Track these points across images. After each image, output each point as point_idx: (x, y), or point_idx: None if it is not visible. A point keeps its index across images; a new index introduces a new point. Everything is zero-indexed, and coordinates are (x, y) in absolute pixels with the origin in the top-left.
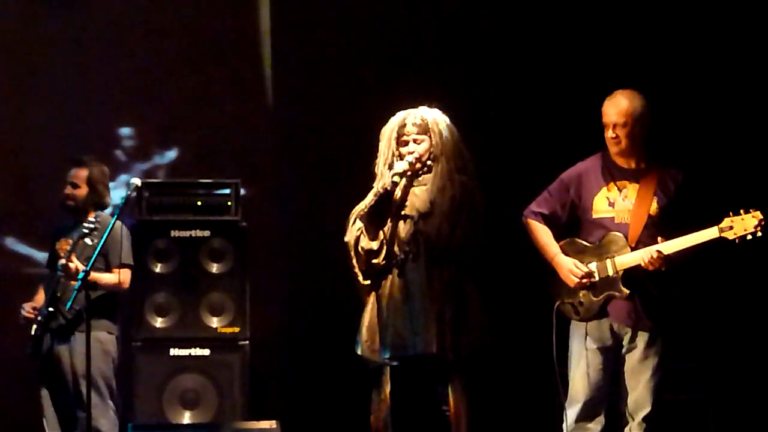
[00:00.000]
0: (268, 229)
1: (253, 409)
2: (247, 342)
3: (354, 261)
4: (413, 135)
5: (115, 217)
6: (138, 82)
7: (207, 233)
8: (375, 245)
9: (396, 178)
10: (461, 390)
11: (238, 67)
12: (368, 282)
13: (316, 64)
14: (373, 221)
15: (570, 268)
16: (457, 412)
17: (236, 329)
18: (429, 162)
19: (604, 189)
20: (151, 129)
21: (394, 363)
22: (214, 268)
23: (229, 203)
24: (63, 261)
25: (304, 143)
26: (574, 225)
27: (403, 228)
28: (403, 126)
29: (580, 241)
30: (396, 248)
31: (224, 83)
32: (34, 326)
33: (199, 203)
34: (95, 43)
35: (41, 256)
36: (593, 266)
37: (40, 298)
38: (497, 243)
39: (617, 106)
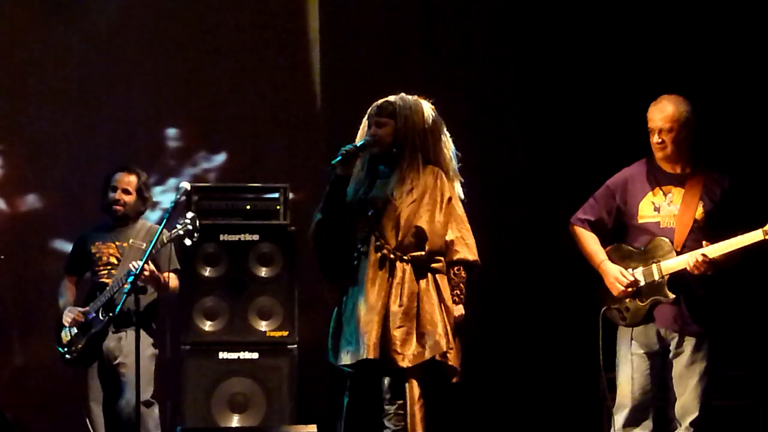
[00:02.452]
0: None
1: (301, 414)
2: (296, 346)
3: (319, 260)
4: (376, 118)
5: (165, 221)
6: (187, 86)
7: (256, 237)
8: (334, 240)
9: (336, 161)
10: (415, 400)
11: (287, 72)
12: (333, 282)
13: (364, 69)
14: (332, 213)
15: (615, 275)
16: (412, 424)
17: (285, 333)
18: (394, 149)
19: (650, 194)
20: (200, 133)
21: (347, 369)
22: (263, 272)
23: (278, 207)
24: (134, 264)
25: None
26: (621, 230)
27: (360, 222)
28: (373, 109)
29: (626, 246)
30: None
31: (273, 88)
32: (73, 331)
33: (248, 207)
34: (141, 47)
35: None
36: (639, 272)
37: (72, 299)
38: (545, 250)
39: (663, 112)
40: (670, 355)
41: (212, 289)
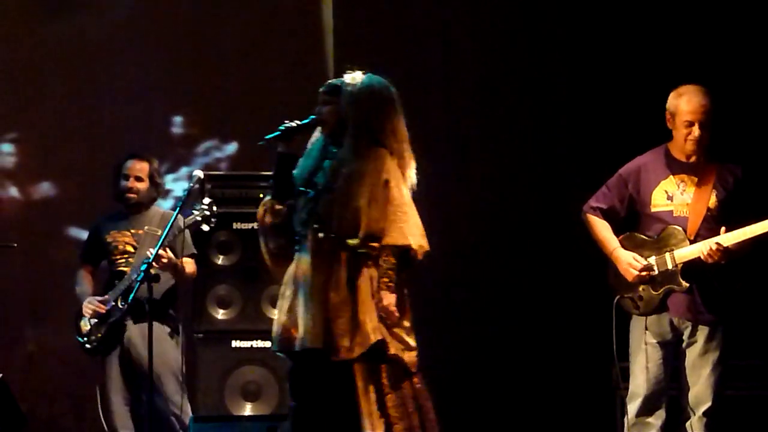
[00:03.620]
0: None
1: None
2: None
3: (261, 243)
4: (322, 96)
5: (178, 208)
6: (199, 74)
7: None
8: (278, 219)
9: (266, 139)
10: (362, 392)
11: (300, 60)
12: (278, 267)
13: (378, 58)
14: (279, 193)
15: (629, 261)
16: (366, 415)
17: None
18: (339, 129)
19: (663, 183)
20: (213, 122)
21: (282, 356)
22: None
23: None
24: (151, 252)
25: None
26: (633, 219)
27: (302, 206)
28: (321, 87)
29: (639, 235)
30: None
31: (286, 77)
32: (92, 320)
33: (261, 195)
34: (154, 35)
35: None
36: (652, 260)
37: (90, 288)
38: (558, 239)
39: (699, 104)
40: (684, 344)
41: (225, 278)
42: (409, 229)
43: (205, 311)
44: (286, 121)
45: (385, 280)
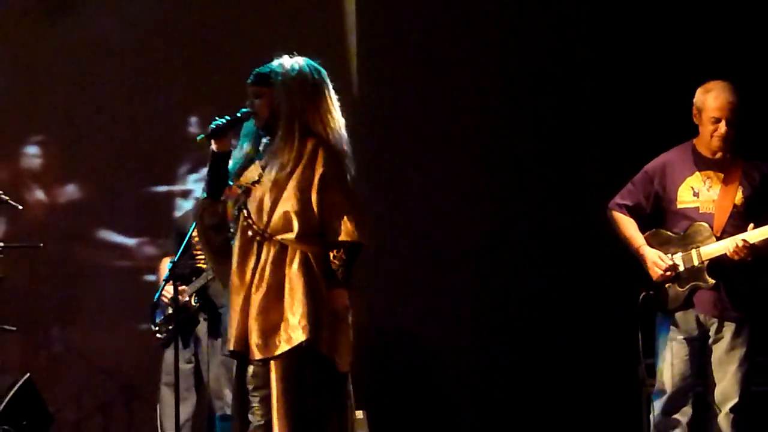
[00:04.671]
0: None
1: None
2: None
3: (203, 243)
4: (252, 87)
5: None
6: (220, 74)
7: None
8: (216, 219)
9: (200, 138)
10: (280, 393)
11: (324, 59)
12: (222, 265)
13: (401, 55)
14: (214, 192)
15: (654, 260)
16: (278, 418)
17: None
18: (272, 120)
19: (689, 179)
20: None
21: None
22: None
23: None
24: None
25: (390, 134)
26: (659, 216)
27: (235, 201)
28: (250, 78)
29: (665, 231)
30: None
31: None
32: (168, 311)
33: None
34: (179, 38)
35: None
36: (678, 257)
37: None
38: (584, 236)
39: (728, 100)
40: (710, 340)
41: None
42: (358, 224)
43: None
44: (216, 118)
45: (338, 275)
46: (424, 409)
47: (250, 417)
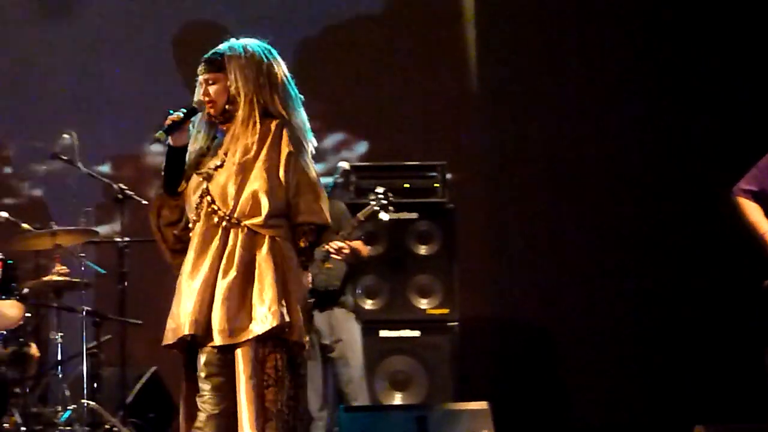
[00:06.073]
0: (474, 212)
1: (462, 391)
2: (457, 323)
3: (159, 241)
4: (204, 75)
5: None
6: (352, 68)
7: (415, 215)
8: (176, 215)
9: (158, 134)
10: (246, 378)
11: (442, 50)
12: (179, 261)
13: (520, 46)
14: (172, 187)
15: None
16: (247, 403)
17: (445, 311)
18: (228, 106)
19: None
20: (355, 114)
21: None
22: (422, 250)
23: (436, 185)
24: (334, 245)
25: (509, 126)
26: None
27: (195, 189)
28: (201, 66)
29: None
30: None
31: (428, 67)
32: None
33: (406, 186)
34: (283, 32)
35: None
36: None
37: None
38: (707, 223)
39: None
40: None
41: (372, 268)
42: (323, 205)
43: (354, 302)
44: (170, 111)
45: (303, 259)
46: (548, 402)
47: (200, 406)
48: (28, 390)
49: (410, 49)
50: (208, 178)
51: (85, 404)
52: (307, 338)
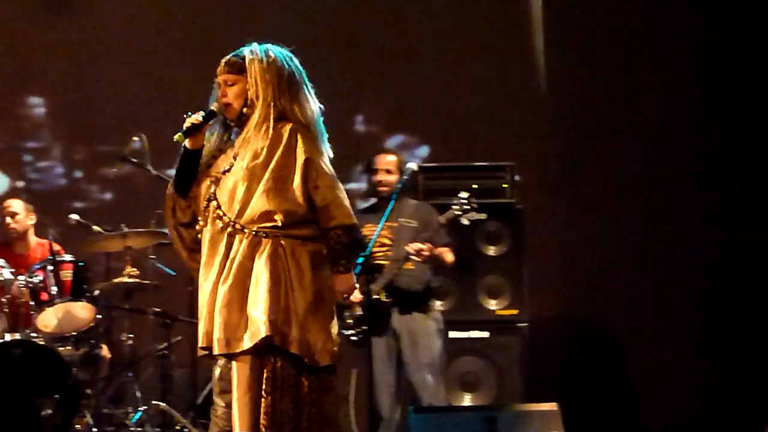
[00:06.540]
0: (542, 213)
1: (532, 392)
2: (526, 324)
3: (176, 240)
4: (224, 76)
5: (392, 201)
6: (424, 68)
7: (483, 216)
8: (188, 216)
9: (177, 136)
10: (242, 392)
11: (511, 51)
12: (196, 262)
13: (589, 50)
14: (184, 189)
15: None
16: (239, 419)
17: (514, 312)
18: (246, 110)
19: None
20: (423, 115)
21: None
22: (491, 250)
23: (505, 186)
24: (414, 247)
25: (577, 128)
26: None
27: (204, 193)
28: (220, 67)
29: None
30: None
31: (497, 68)
32: (357, 312)
33: (474, 186)
34: (342, 33)
35: None
36: None
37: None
38: None
39: None
40: None
41: (441, 269)
42: (347, 206)
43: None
44: (189, 113)
45: (343, 261)
46: (618, 402)
47: (213, 419)
48: (99, 391)
49: (478, 52)
50: (216, 182)
51: (156, 405)
52: (326, 350)
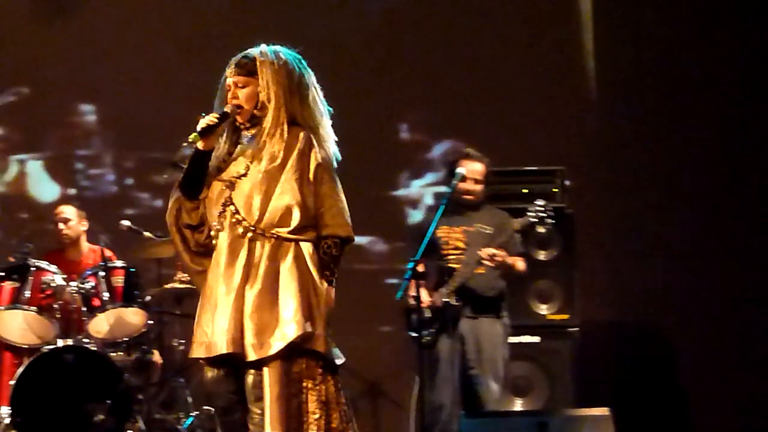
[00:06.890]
0: (592, 217)
1: (583, 397)
2: (577, 329)
3: (178, 242)
4: (234, 78)
5: (442, 206)
6: (454, 72)
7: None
8: (194, 219)
9: (192, 137)
10: (274, 397)
11: (560, 55)
12: (200, 267)
13: (639, 54)
14: (193, 191)
15: None
16: (271, 423)
17: (565, 316)
18: (256, 112)
19: None
20: (468, 119)
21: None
22: (542, 255)
23: (555, 190)
24: (486, 252)
25: (626, 132)
26: None
27: (217, 197)
28: (231, 68)
29: None
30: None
31: (546, 72)
32: (426, 314)
33: (525, 191)
34: (394, 41)
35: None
36: None
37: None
38: None
39: None
40: None
41: None
42: (347, 219)
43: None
44: (203, 115)
45: (327, 273)
46: (670, 407)
47: (251, 428)
48: (151, 397)
49: (527, 56)
50: (231, 186)
51: (207, 410)
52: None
